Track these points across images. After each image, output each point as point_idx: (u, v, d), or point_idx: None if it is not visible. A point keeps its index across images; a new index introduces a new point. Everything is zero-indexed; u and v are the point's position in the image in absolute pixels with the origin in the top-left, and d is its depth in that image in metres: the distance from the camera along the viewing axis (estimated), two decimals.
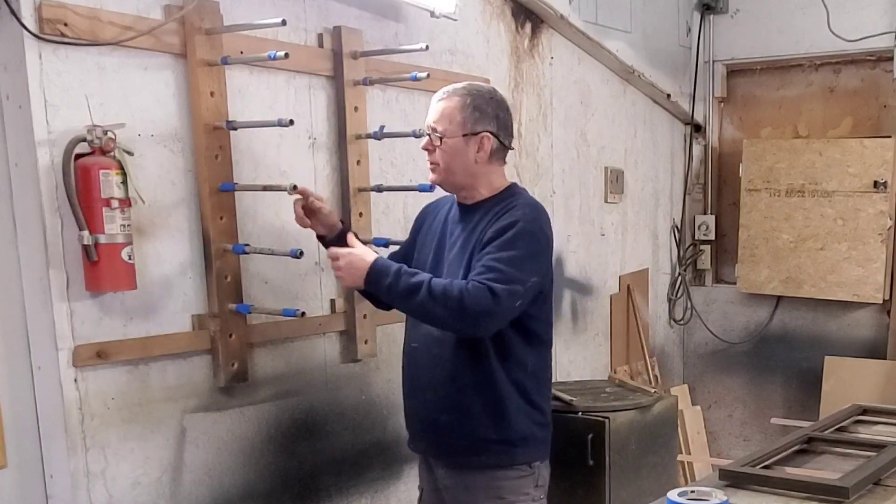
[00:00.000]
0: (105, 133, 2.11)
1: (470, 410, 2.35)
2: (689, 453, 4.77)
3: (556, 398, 3.22)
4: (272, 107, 2.59)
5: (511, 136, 2.41)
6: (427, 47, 2.80)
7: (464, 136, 2.30)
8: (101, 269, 2.12)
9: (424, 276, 2.23)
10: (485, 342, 2.31)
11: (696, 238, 5.08)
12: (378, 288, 2.25)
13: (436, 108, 2.32)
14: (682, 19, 4.80)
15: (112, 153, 2.12)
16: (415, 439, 2.53)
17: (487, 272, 2.20)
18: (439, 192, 2.54)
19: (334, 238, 2.39)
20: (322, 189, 2.78)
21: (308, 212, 2.37)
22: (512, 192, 2.39)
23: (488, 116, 2.32)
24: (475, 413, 2.35)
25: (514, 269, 2.20)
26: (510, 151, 2.44)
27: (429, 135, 2.33)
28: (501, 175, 2.41)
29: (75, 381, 2.17)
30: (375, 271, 2.24)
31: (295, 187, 2.31)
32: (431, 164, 2.35)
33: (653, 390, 3.40)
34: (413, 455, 2.67)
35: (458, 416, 2.36)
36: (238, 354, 2.52)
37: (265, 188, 2.47)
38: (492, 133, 2.32)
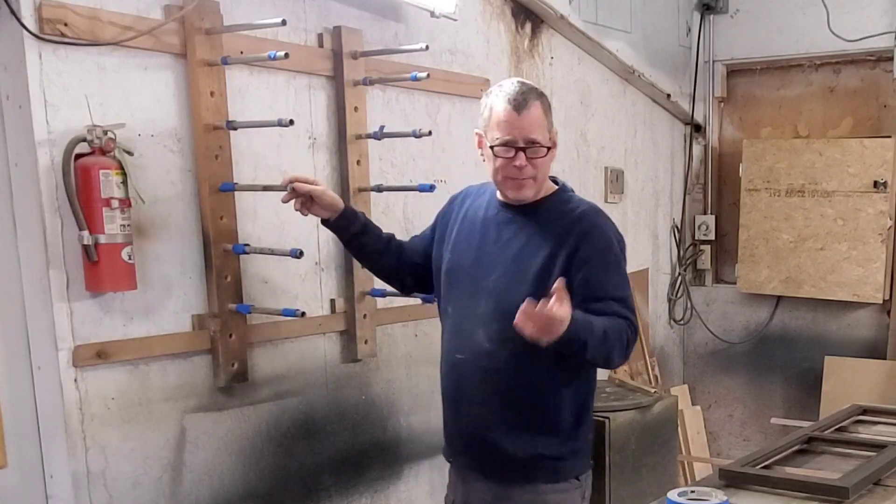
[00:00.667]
0: (105, 133, 2.11)
1: (523, 427, 2.25)
2: (689, 453, 4.77)
3: None
4: (272, 107, 2.59)
5: None
6: (427, 47, 2.80)
7: (552, 143, 2.21)
8: (101, 269, 2.12)
9: (594, 319, 2.07)
10: (550, 358, 2.16)
11: (696, 238, 5.08)
12: (573, 337, 2.02)
13: (523, 119, 2.13)
14: (682, 19, 4.80)
15: (112, 153, 2.12)
16: (456, 453, 2.42)
17: (620, 304, 2.16)
18: (440, 192, 2.54)
19: (338, 218, 2.32)
20: None
21: (305, 202, 2.29)
22: (567, 194, 2.32)
23: (551, 110, 2.25)
24: (529, 430, 2.25)
25: (630, 290, 2.24)
26: None
27: (520, 149, 2.14)
28: None
29: (75, 381, 2.17)
30: (573, 324, 2.00)
31: (293, 189, 2.25)
32: (526, 179, 2.18)
33: (653, 390, 3.40)
34: (413, 455, 2.67)
35: (509, 432, 2.25)
36: (238, 354, 2.52)
37: (265, 188, 2.47)
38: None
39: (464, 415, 2.32)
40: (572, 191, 2.36)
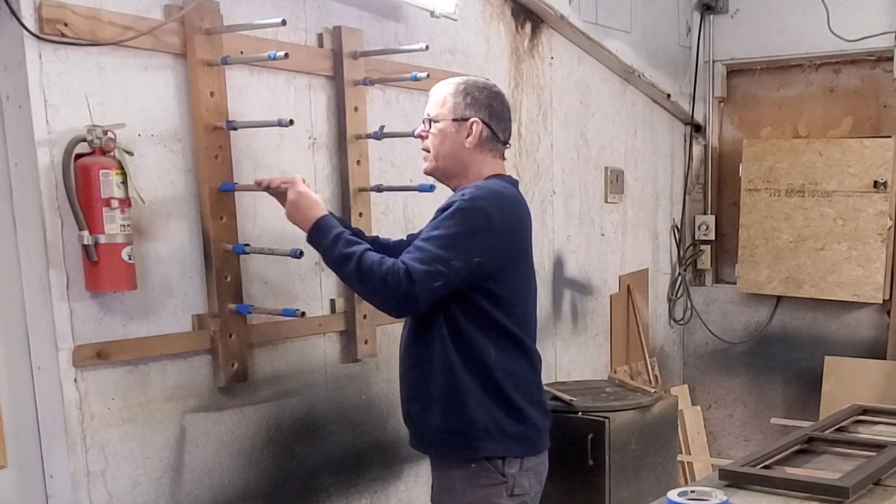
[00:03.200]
0: (105, 133, 2.11)
1: (431, 399, 2.33)
2: (689, 453, 4.77)
3: (556, 398, 3.22)
4: (272, 107, 2.59)
5: (507, 129, 2.38)
6: (427, 47, 2.80)
7: (454, 120, 2.30)
8: (101, 269, 2.12)
9: (360, 247, 2.19)
10: (441, 329, 2.28)
11: (696, 238, 5.08)
12: (316, 245, 2.24)
13: (431, 95, 2.35)
14: (682, 19, 4.80)
15: (112, 153, 2.12)
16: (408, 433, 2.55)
17: (413, 251, 2.19)
18: (440, 192, 2.54)
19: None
20: (322, 189, 2.78)
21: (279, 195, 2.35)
22: (473, 181, 2.35)
23: (480, 104, 2.32)
24: (435, 401, 2.32)
25: (439, 248, 2.16)
26: (508, 150, 2.43)
27: (424, 120, 2.35)
28: (492, 167, 2.36)
29: (75, 381, 2.17)
30: (318, 228, 2.22)
31: (260, 184, 2.35)
32: (424, 150, 2.37)
33: (653, 390, 3.40)
34: (413, 455, 2.68)
35: (423, 405, 2.35)
36: (238, 354, 2.52)
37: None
38: (482, 120, 2.31)
39: (401, 393, 2.46)
40: (504, 179, 2.37)
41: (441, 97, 2.32)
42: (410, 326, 2.38)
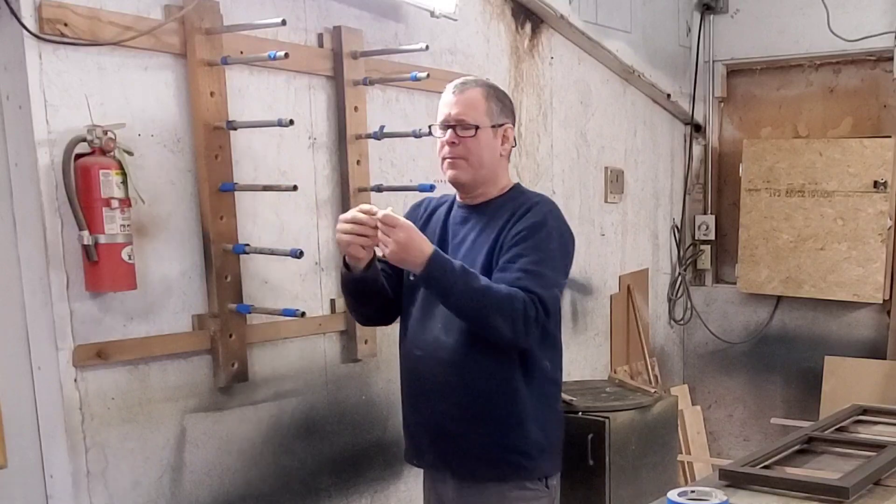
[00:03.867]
0: (105, 133, 2.11)
1: (484, 418, 2.22)
2: (689, 453, 4.77)
3: None
4: (272, 107, 2.59)
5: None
6: (427, 47, 2.80)
7: (492, 126, 2.23)
8: (101, 269, 2.12)
9: (482, 278, 2.10)
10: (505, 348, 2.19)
11: (696, 238, 5.08)
12: (440, 276, 2.06)
13: (457, 100, 2.21)
14: (682, 19, 4.80)
15: (112, 153, 2.12)
16: (420, 453, 2.37)
17: (527, 277, 2.11)
18: (440, 192, 2.54)
19: (367, 266, 2.21)
20: (322, 189, 2.78)
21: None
22: (521, 191, 2.34)
23: (509, 109, 2.29)
24: (490, 421, 2.22)
25: (553, 271, 2.16)
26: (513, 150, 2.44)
27: (451, 127, 2.20)
28: (508, 173, 2.35)
29: (75, 381, 2.17)
30: (438, 259, 2.06)
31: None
32: (455, 158, 2.21)
33: (653, 390, 3.40)
34: None
35: (471, 424, 2.23)
36: (238, 354, 2.52)
37: (265, 188, 2.48)
38: (512, 126, 2.30)
39: (426, 410, 2.29)
40: (529, 190, 2.40)
41: (474, 101, 2.21)
42: (447, 342, 2.22)
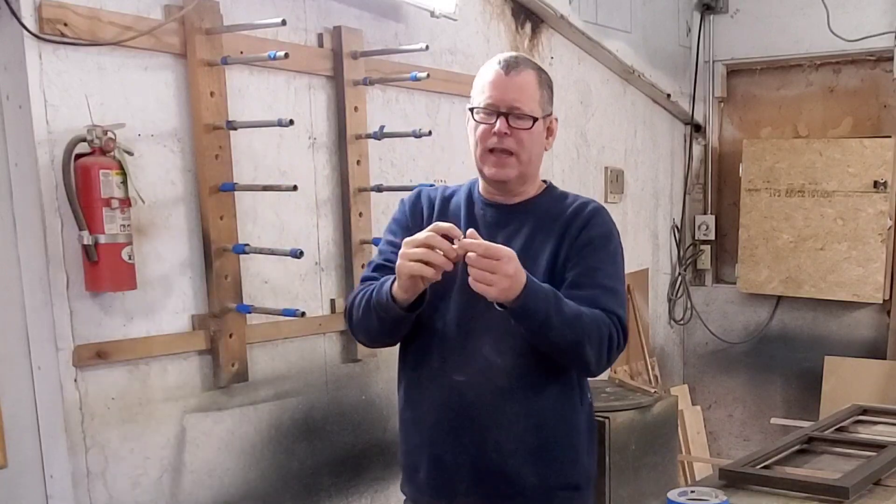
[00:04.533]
0: (105, 133, 2.11)
1: (546, 450, 1.97)
2: (689, 453, 4.77)
3: None
4: (272, 107, 2.59)
5: None
6: (427, 47, 2.80)
7: (543, 118, 1.95)
8: (101, 269, 2.12)
9: (573, 302, 1.85)
10: (558, 371, 1.96)
11: (696, 238, 5.08)
12: (536, 307, 1.77)
13: (510, 82, 1.89)
14: (682, 19, 4.80)
15: (112, 153, 2.12)
16: (453, 492, 2.01)
17: (610, 296, 1.91)
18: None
19: (419, 298, 1.87)
20: (322, 189, 2.78)
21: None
22: (561, 191, 2.08)
23: (552, 96, 2.00)
24: (551, 453, 1.98)
25: (624, 288, 1.99)
26: None
27: (503, 114, 1.88)
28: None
29: (75, 381, 2.17)
30: (533, 287, 1.77)
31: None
32: (503, 152, 1.91)
33: (653, 390, 3.40)
34: None
35: (530, 458, 1.96)
36: (238, 354, 2.52)
37: (265, 188, 2.48)
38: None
39: (471, 445, 1.97)
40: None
41: (529, 87, 1.91)
42: (514, 366, 1.93)
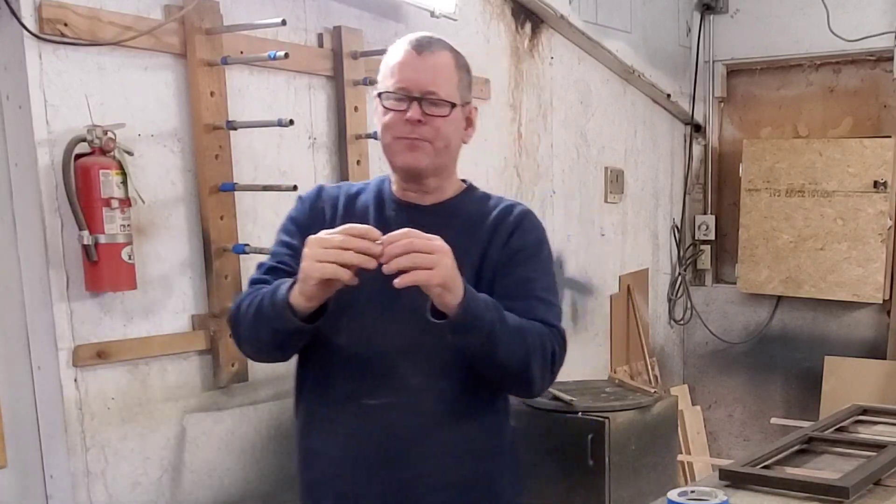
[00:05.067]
0: (105, 133, 2.11)
1: (470, 489, 1.77)
2: (689, 453, 4.77)
3: (556, 398, 3.22)
4: (272, 107, 2.59)
5: None
6: None
7: (462, 105, 1.74)
8: (101, 269, 2.12)
9: (513, 315, 1.65)
10: (498, 393, 1.79)
11: (696, 238, 5.08)
12: (480, 317, 1.55)
13: (423, 64, 1.68)
14: (682, 19, 4.80)
15: (112, 153, 2.12)
16: None
17: (547, 308, 1.72)
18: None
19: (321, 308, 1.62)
20: None
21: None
22: (483, 192, 1.88)
23: (471, 83, 1.79)
24: (476, 491, 1.78)
25: (558, 300, 1.80)
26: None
27: (416, 99, 1.66)
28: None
29: (75, 381, 2.17)
30: (472, 294, 1.55)
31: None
32: (418, 140, 1.68)
33: (653, 390, 3.40)
34: None
35: (452, 495, 1.76)
36: (238, 354, 2.51)
37: (265, 188, 2.48)
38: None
39: (384, 480, 1.73)
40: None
41: (445, 70, 1.71)
42: (443, 388, 1.72)
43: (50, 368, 2.16)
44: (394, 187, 1.80)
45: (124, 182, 2.14)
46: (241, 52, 2.45)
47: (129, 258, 2.16)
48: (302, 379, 1.83)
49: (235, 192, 2.47)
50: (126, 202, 2.15)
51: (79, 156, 2.10)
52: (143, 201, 2.24)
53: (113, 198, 2.11)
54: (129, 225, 2.16)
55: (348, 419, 1.73)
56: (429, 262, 1.47)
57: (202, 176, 2.39)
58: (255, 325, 1.67)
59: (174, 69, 2.34)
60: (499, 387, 1.76)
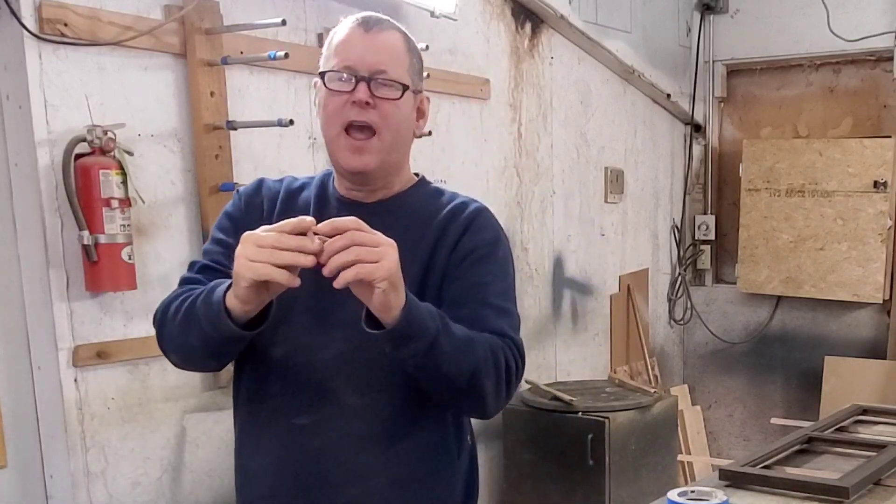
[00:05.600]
0: (105, 133, 2.11)
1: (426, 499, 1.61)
2: (689, 453, 4.77)
3: (556, 398, 3.22)
4: (272, 107, 2.59)
5: None
6: (427, 47, 2.79)
7: (414, 91, 1.57)
8: (101, 269, 2.12)
9: (460, 326, 1.47)
10: (445, 410, 1.61)
11: (696, 238, 5.08)
12: (422, 327, 1.37)
13: (372, 41, 1.51)
14: (682, 19, 4.80)
15: (112, 153, 2.13)
16: None
17: (501, 317, 1.55)
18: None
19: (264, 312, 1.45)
20: None
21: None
22: (435, 187, 1.68)
23: (422, 70, 1.62)
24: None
25: (515, 307, 1.62)
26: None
27: (364, 79, 1.49)
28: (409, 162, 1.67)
29: (75, 381, 2.17)
30: (413, 300, 1.38)
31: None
32: (363, 126, 1.50)
33: (653, 390, 3.40)
34: None
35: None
36: None
37: None
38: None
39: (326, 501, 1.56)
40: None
41: (396, 50, 1.54)
42: (382, 406, 1.55)
43: (50, 368, 2.16)
44: (337, 183, 1.63)
45: (124, 182, 2.14)
46: (241, 52, 2.45)
47: (129, 258, 2.16)
48: (237, 390, 1.65)
49: (235, 193, 2.46)
50: (126, 202, 2.15)
51: (79, 156, 2.10)
52: (143, 201, 2.24)
53: (113, 198, 2.11)
54: (129, 225, 2.16)
55: (278, 439, 1.57)
56: (374, 255, 1.30)
57: (202, 176, 2.39)
58: (184, 329, 1.51)
59: (174, 69, 2.34)
60: (446, 405, 1.59)
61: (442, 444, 1.62)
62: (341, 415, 1.54)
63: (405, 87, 1.52)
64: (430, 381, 1.47)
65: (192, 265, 1.66)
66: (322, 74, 1.52)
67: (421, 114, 1.61)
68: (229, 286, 1.41)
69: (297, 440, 1.56)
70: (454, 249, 1.57)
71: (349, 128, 1.51)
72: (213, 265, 1.61)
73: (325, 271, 1.30)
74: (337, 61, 1.51)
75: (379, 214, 1.52)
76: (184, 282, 1.64)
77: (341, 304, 1.44)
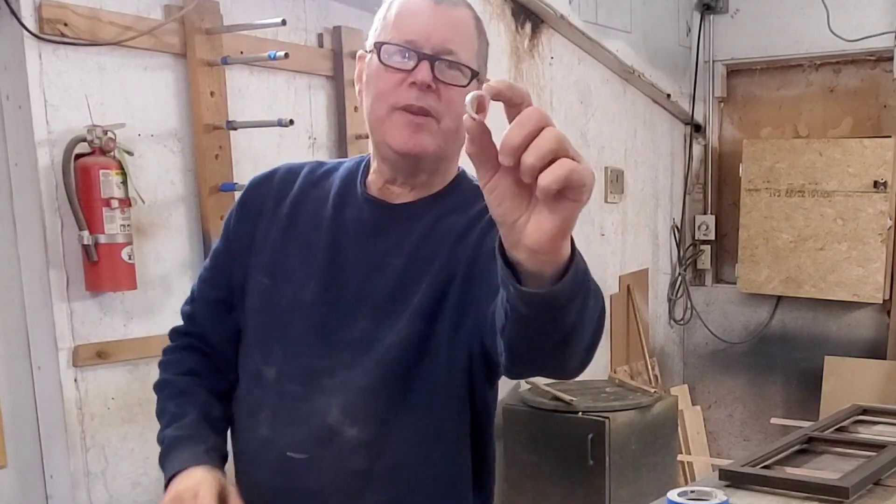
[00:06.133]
0: (105, 133, 2.11)
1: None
2: (689, 453, 4.77)
3: (556, 398, 3.22)
4: (272, 107, 2.59)
5: None
6: None
7: (480, 81, 1.34)
8: (101, 269, 2.12)
9: None
10: (459, 439, 1.37)
11: (696, 238, 5.08)
12: (583, 279, 1.05)
13: (443, 18, 1.29)
14: (682, 19, 4.80)
15: (112, 153, 2.13)
16: None
17: None
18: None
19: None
20: None
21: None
22: (470, 180, 1.41)
23: (487, 58, 1.43)
24: None
25: None
26: None
27: (428, 58, 1.26)
28: None
29: (75, 381, 2.17)
30: (580, 257, 1.06)
31: None
32: (424, 114, 1.27)
33: (653, 390, 3.40)
34: None
35: None
36: None
37: None
38: None
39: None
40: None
41: (466, 30, 1.34)
42: (369, 441, 1.32)
43: (50, 368, 2.16)
44: (371, 177, 1.37)
45: (124, 182, 2.14)
46: (241, 52, 2.45)
47: (129, 258, 2.16)
48: (236, 400, 1.47)
49: (235, 193, 2.47)
50: (126, 202, 2.15)
51: (79, 156, 2.10)
52: (143, 201, 2.24)
53: (113, 198, 2.11)
54: (129, 225, 2.16)
55: (271, 472, 1.37)
56: (575, 153, 0.93)
57: (202, 176, 2.39)
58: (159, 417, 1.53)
59: (174, 69, 2.34)
60: (528, 370, 1.19)
61: (456, 485, 1.39)
62: (337, 449, 1.32)
63: (474, 74, 1.31)
64: (547, 347, 1.06)
65: (191, 297, 1.53)
66: (378, 46, 1.27)
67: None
68: (184, 455, 1.38)
69: (289, 476, 1.35)
70: (480, 247, 1.29)
71: (405, 108, 1.27)
72: (205, 301, 1.49)
73: (526, 169, 0.89)
74: (397, 34, 1.26)
75: (412, 218, 1.33)
76: (184, 316, 1.54)
77: (349, 322, 1.28)
